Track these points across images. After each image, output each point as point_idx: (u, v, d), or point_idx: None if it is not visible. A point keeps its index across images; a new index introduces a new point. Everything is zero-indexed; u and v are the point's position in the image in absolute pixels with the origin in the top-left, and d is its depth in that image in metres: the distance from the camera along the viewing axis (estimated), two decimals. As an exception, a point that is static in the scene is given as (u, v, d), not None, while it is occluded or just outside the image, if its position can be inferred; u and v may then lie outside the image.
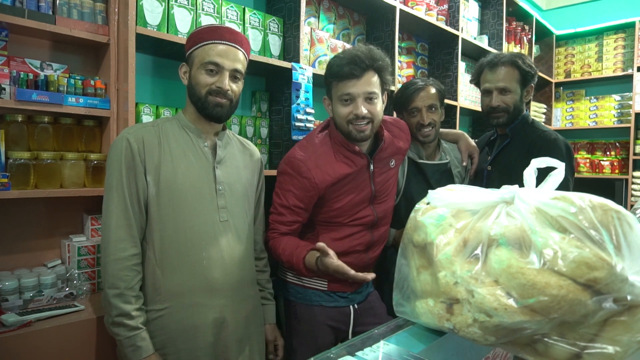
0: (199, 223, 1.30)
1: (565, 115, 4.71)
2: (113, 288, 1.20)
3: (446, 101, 2.42)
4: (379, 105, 1.48)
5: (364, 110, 1.43)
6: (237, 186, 1.41)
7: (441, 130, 1.98)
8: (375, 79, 1.45)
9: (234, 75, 1.34)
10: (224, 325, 1.33)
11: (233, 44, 1.34)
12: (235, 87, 1.36)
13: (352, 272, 1.31)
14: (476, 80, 1.91)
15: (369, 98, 1.44)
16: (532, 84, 1.84)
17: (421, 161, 1.81)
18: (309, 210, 1.52)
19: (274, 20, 2.14)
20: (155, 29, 1.70)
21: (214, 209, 1.33)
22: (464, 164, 1.91)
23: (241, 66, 1.36)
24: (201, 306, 1.29)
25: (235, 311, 1.36)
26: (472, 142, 1.96)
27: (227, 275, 1.34)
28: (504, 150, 1.86)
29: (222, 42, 1.32)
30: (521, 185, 0.74)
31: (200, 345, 1.29)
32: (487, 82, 1.82)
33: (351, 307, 1.60)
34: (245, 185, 1.45)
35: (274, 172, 2.08)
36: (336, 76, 1.44)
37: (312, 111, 2.17)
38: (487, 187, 0.87)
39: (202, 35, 1.32)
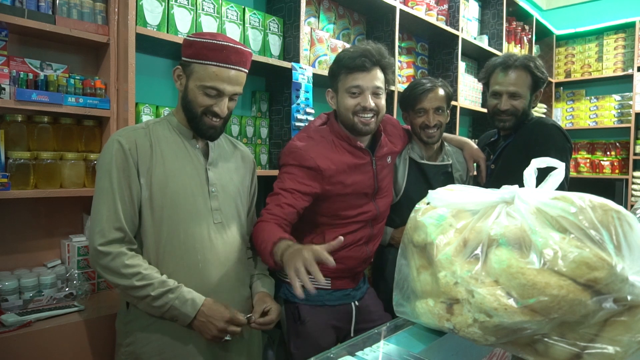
0: (193, 226, 1.28)
1: (566, 115, 4.71)
2: (127, 278, 1.16)
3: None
4: (384, 100, 1.53)
5: (371, 103, 1.47)
6: (229, 187, 1.39)
7: (445, 134, 1.98)
8: (381, 75, 1.50)
9: (232, 98, 1.31)
10: None
11: (238, 67, 1.28)
12: (231, 106, 1.33)
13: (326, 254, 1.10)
14: (486, 80, 1.89)
15: (376, 93, 1.49)
16: (541, 90, 1.83)
17: (423, 162, 1.81)
18: (307, 199, 1.46)
19: (274, 20, 2.14)
20: (155, 29, 1.70)
21: (208, 211, 1.31)
22: (472, 174, 1.89)
23: (241, 88, 1.32)
24: None
25: None
26: (477, 149, 1.95)
27: (223, 277, 1.33)
28: (507, 148, 1.85)
29: (228, 66, 1.26)
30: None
31: (200, 348, 1.28)
32: (498, 84, 1.80)
33: (352, 304, 1.62)
34: (238, 185, 1.43)
35: (274, 172, 2.09)
36: (346, 67, 1.46)
37: (312, 111, 2.17)
38: (491, 185, 0.87)
39: (206, 52, 1.24)
